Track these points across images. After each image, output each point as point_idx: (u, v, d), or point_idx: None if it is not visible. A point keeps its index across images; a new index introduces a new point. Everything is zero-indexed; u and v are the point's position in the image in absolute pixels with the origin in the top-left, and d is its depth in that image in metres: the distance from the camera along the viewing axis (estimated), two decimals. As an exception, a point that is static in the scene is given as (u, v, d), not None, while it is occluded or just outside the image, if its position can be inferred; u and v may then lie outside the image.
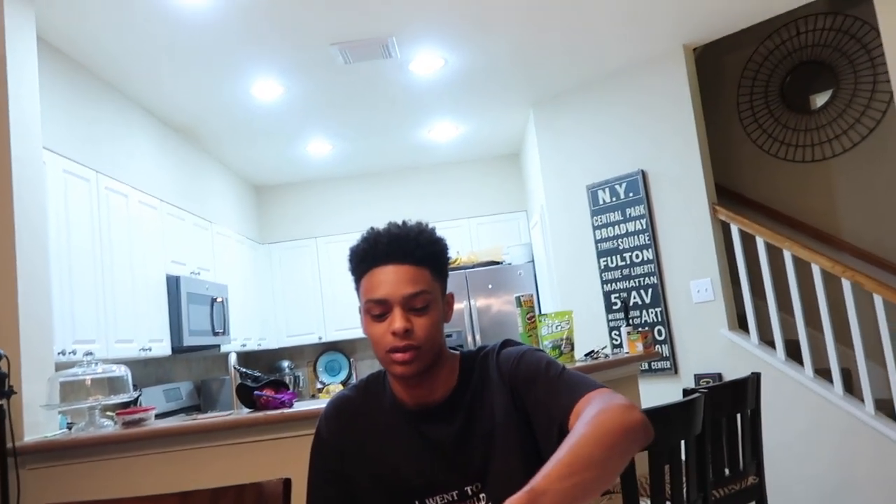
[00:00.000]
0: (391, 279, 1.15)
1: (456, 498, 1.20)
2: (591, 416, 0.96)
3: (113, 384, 2.56)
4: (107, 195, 3.68)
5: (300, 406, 2.39)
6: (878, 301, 3.26)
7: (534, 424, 1.19)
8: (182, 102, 4.29)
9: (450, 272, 1.29)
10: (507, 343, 1.31)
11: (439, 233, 1.25)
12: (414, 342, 1.14)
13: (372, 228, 1.22)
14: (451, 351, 1.30)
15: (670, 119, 4.22)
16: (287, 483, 1.26)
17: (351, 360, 6.47)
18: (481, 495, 1.20)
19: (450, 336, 5.47)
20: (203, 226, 4.95)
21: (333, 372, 6.47)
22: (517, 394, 1.21)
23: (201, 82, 4.02)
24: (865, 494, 3.31)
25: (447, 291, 1.26)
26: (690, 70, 4.21)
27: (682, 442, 2.03)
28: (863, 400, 3.33)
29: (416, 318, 1.15)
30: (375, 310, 1.16)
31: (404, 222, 1.23)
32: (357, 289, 1.22)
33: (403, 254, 1.16)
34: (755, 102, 4.68)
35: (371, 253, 1.18)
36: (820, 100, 4.48)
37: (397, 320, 1.13)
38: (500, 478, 1.20)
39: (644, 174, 4.31)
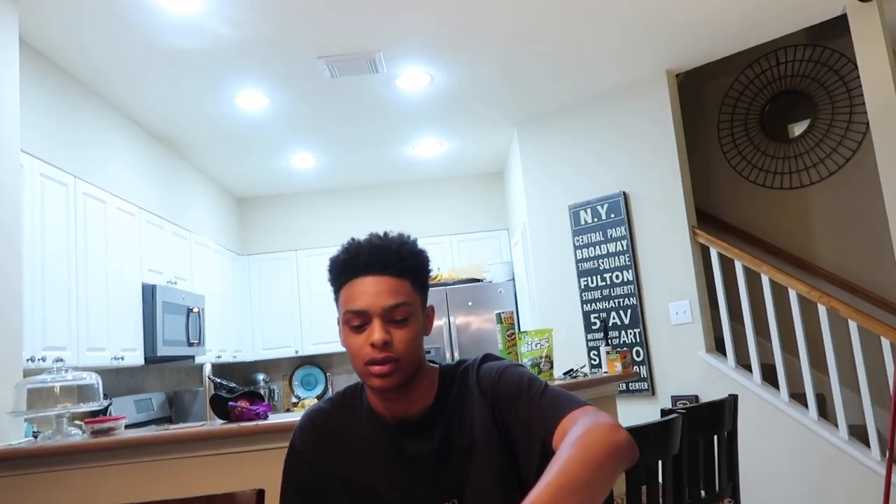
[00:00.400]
0: (371, 290, 1.13)
1: None
2: (576, 436, 0.95)
3: (83, 392, 2.50)
4: (84, 200, 3.62)
5: (275, 418, 2.35)
6: (853, 327, 3.30)
7: (514, 441, 1.17)
8: (165, 111, 4.26)
9: (430, 288, 1.28)
10: (488, 357, 1.29)
11: (421, 245, 1.23)
12: (393, 354, 1.12)
13: (353, 239, 1.21)
14: (431, 364, 1.28)
15: (653, 142, 4.27)
16: (260, 494, 1.24)
17: (327, 374, 6.41)
18: None
19: (428, 352, 5.44)
20: (182, 235, 4.89)
21: (309, 386, 6.40)
22: (497, 410, 1.19)
23: (185, 91, 4.00)
24: (838, 520, 3.33)
25: (427, 304, 1.24)
26: (673, 95, 4.28)
27: (660, 462, 2.02)
28: (837, 425, 3.36)
29: (395, 331, 1.13)
30: (354, 321, 1.14)
31: (386, 234, 1.21)
32: (336, 300, 1.20)
33: (384, 265, 1.15)
34: (735, 129, 4.76)
35: (351, 264, 1.16)
36: (798, 129, 4.57)
37: (376, 332, 1.12)
38: (477, 494, 1.18)
39: (626, 196, 4.35)
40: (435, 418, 1.21)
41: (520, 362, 2.82)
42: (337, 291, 1.19)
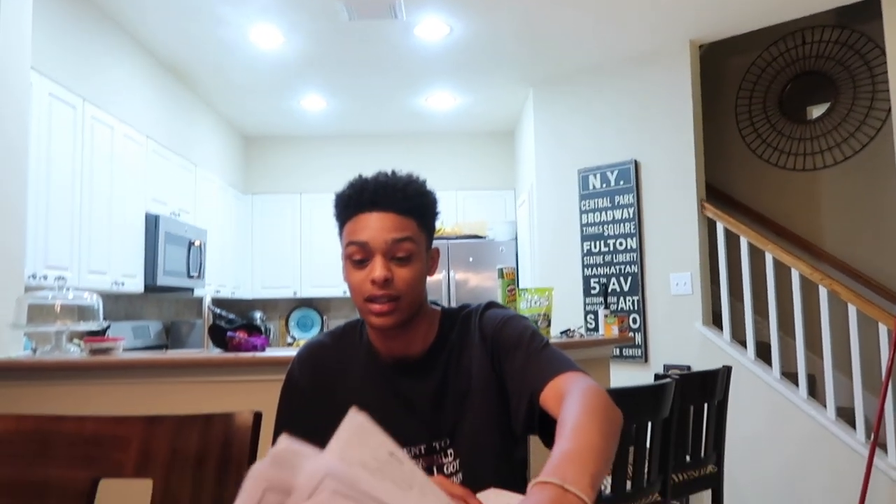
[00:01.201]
0: (375, 225, 1.12)
1: (423, 452, 1.19)
2: (589, 404, 0.92)
3: (83, 312, 2.52)
4: (92, 124, 3.59)
5: (272, 352, 2.37)
6: (851, 311, 3.31)
7: (507, 390, 1.18)
8: (178, 41, 4.18)
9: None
10: (492, 305, 1.28)
11: (430, 187, 1.22)
12: (393, 292, 1.11)
13: (360, 175, 1.19)
14: (433, 306, 1.27)
15: (669, 113, 4.21)
16: (258, 416, 1.24)
17: (324, 317, 6.45)
18: (449, 451, 1.19)
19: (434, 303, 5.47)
20: (188, 168, 4.86)
21: (305, 328, 6.45)
22: (496, 357, 1.19)
23: (199, 20, 3.91)
24: (817, 495, 3.39)
25: (433, 246, 1.23)
26: (694, 66, 4.20)
27: (649, 425, 2.05)
28: (825, 405, 3.40)
29: (397, 268, 1.12)
30: (357, 254, 1.13)
31: (394, 172, 1.20)
32: (340, 235, 1.18)
33: (389, 202, 1.13)
34: (753, 107, 4.69)
35: (356, 199, 1.15)
36: (817, 111, 4.50)
37: (378, 268, 1.10)
38: (469, 436, 1.18)
39: (637, 164, 4.31)
40: (433, 360, 1.21)
41: (518, 318, 2.84)
42: (341, 226, 1.17)
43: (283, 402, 1.27)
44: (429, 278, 1.22)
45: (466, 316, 1.26)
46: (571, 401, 0.93)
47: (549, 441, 1.08)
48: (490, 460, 1.18)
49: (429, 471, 1.18)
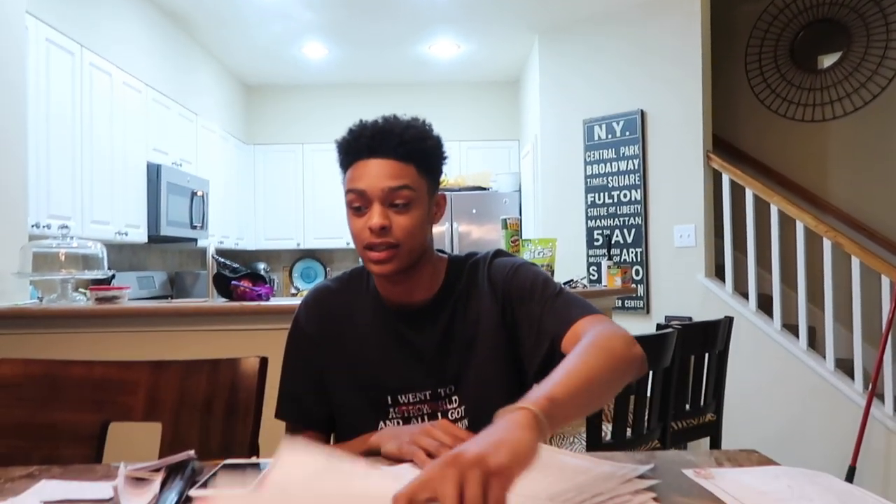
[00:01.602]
0: (373, 172, 1.10)
1: (428, 398, 1.20)
2: (600, 340, 0.96)
3: (87, 261, 2.52)
4: (90, 71, 3.53)
5: (277, 301, 2.38)
6: (855, 263, 3.31)
7: (521, 337, 1.18)
8: (176, -18, 4.08)
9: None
10: (501, 253, 1.27)
11: (435, 131, 1.18)
12: (391, 240, 1.10)
13: (360, 120, 1.16)
14: (439, 254, 1.26)
15: (677, 61, 4.13)
16: (264, 361, 1.26)
17: (327, 269, 6.48)
18: (454, 398, 1.20)
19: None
20: (188, 117, 4.80)
21: (309, 279, 6.48)
22: (508, 304, 1.18)
23: (198, -38, 3.81)
24: (813, 444, 3.45)
25: (438, 192, 1.21)
26: (704, 13, 4.10)
27: (650, 374, 2.07)
28: (825, 357, 3.43)
29: (395, 216, 1.11)
30: (356, 201, 1.12)
31: (395, 116, 1.17)
32: (343, 182, 1.17)
33: (387, 148, 1.11)
34: (764, 55, 4.59)
35: (355, 146, 1.13)
36: (828, 60, 4.41)
37: (375, 216, 1.09)
38: (474, 383, 1.19)
39: (643, 114, 4.25)
40: (438, 307, 1.21)
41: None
42: (343, 173, 1.16)
43: (290, 348, 1.28)
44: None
45: (474, 264, 1.25)
46: (588, 339, 0.98)
47: None
48: (494, 408, 1.19)
49: (433, 416, 1.19)
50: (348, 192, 1.13)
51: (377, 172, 1.10)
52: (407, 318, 1.22)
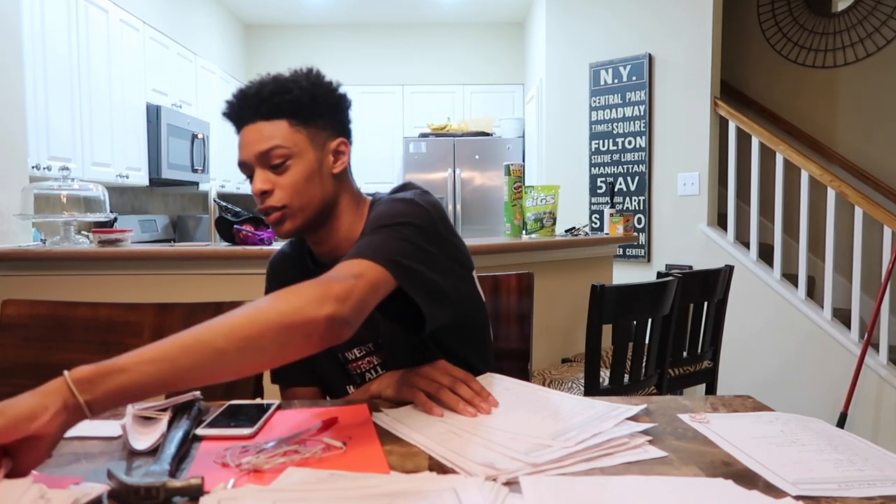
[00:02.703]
0: (246, 140, 1.09)
1: (373, 349, 1.18)
2: (276, 297, 0.83)
3: (89, 203, 2.52)
4: (86, 7, 3.45)
5: (279, 245, 2.38)
6: (858, 213, 3.30)
7: None
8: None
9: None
10: (398, 189, 1.18)
11: (311, 78, 1.11)
12: (275, 203, 1.07)
13: (238, 89, 1.12)
14: (367, 198, 1.20)
15: (687, 4, 4.02)
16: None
17: (329, 215, 6.46)
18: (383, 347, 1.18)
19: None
20: (187, 57, 4.72)
21: (311, 224, 6.48)
22: None
23: None
24: (807, 392, 3.51)
25: (336, 138, 1.13)
26: (718, -49, 3.97)
27: (649, 321, 2.09)
28: (822, 306, 3.45)
29: (277, 177, 1.07)
30: (244, 171, 1.11)
31: (270, 74, 1.11)
32: None
33: (252, 112, 1.08)
34: (777, -1, 4.47)
35: (230, 117, 1.12)
36: (843, 3, 4.29)
37: (256, 181, 1.08)
38: (391, 336, 1.16)
39: (651, 58, 4.16)
40: None
41: (524, 216, 2.83)
42: None
43: None
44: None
45: (375, 203, 1.17)
46: (255, 301, 0.84)
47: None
48: (402, 351, 1.15)
49: (385, 366, 1.17)
50: (237, 164, 1.12)
51: (249, 139, 1.08)
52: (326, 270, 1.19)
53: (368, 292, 0.90)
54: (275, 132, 1.07)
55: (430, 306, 1.00)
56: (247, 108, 1.09)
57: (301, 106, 1.08)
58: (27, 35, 2.91)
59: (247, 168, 1.10)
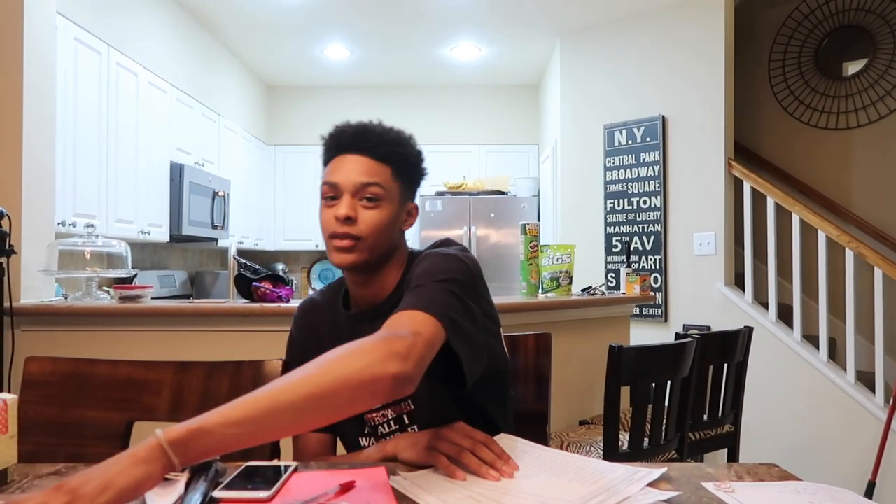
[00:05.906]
0: (348, 167, 1.14)
1: (388, 402, 1.11)
2: (343, 353, 0.86)
3: (111, 259, 2.56)
4: (117, 71, 3.58)
5: (296, 303, 2.40)
6: (877, 274, 3.27)
7: None
8: (202, -15, 4.13)
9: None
10: (440, 244, 1.22)
11: (417, 144, 1.22)
12: (354, 231, 1.12)
13: (347, 121, 1.20)
14: (411, 254, 1.24)
15: (700, 67, 4.11)
16: (286, 365, 1.28)
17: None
18: (408, 399, 1.15)
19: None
20: (211, 117, 4.86)
21: (327, 280, 6.52)
22: None
23: (224, -35, 3.85)
24: (831, 457, 3.41)
25: (412, 202, 1.22)
26: (728, 18, 4.07)
27: (668, 383, 2.06)
28: (845, 369, 3.39)
29: (363, 210, 1.13)
30: (329, 192, 1.14)
31: (381, 121, 1.20)
32: (321, 176, 1.19)
33: (365, 146, 1.14)
34: (788, 62, 4.55)
35: (336, 141, 1.17)
36: (853, 67, 4.36)
37: (343, 206, 1.12)
38: (424, 385, 1.09)
39: (664, 120, 4.23)
40: (390, 306, 1.14)
41: (540, 275, 2.84)
42: (323, 169, 1.19)
43: (287, 353, 1.33)
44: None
45: (415, 257, 1.22)
46: (328, 355, 0.87)
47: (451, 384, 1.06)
48: (436, 402, 1.13)
49: (398, 420, 1.16)
50: (323, 184, 1.15)
51: (352, 167, 1.14)
52: (364, 317, 1.20)
53: (427, 349, 0.94)
54: (380, 172, 1.14)
55: (471, 362, 1.02)
56: (364, 139, 1.15)
57: (407, 162, 1.18)
58: (60, 97, 3.02)
59: (335, 189, 1.14)
